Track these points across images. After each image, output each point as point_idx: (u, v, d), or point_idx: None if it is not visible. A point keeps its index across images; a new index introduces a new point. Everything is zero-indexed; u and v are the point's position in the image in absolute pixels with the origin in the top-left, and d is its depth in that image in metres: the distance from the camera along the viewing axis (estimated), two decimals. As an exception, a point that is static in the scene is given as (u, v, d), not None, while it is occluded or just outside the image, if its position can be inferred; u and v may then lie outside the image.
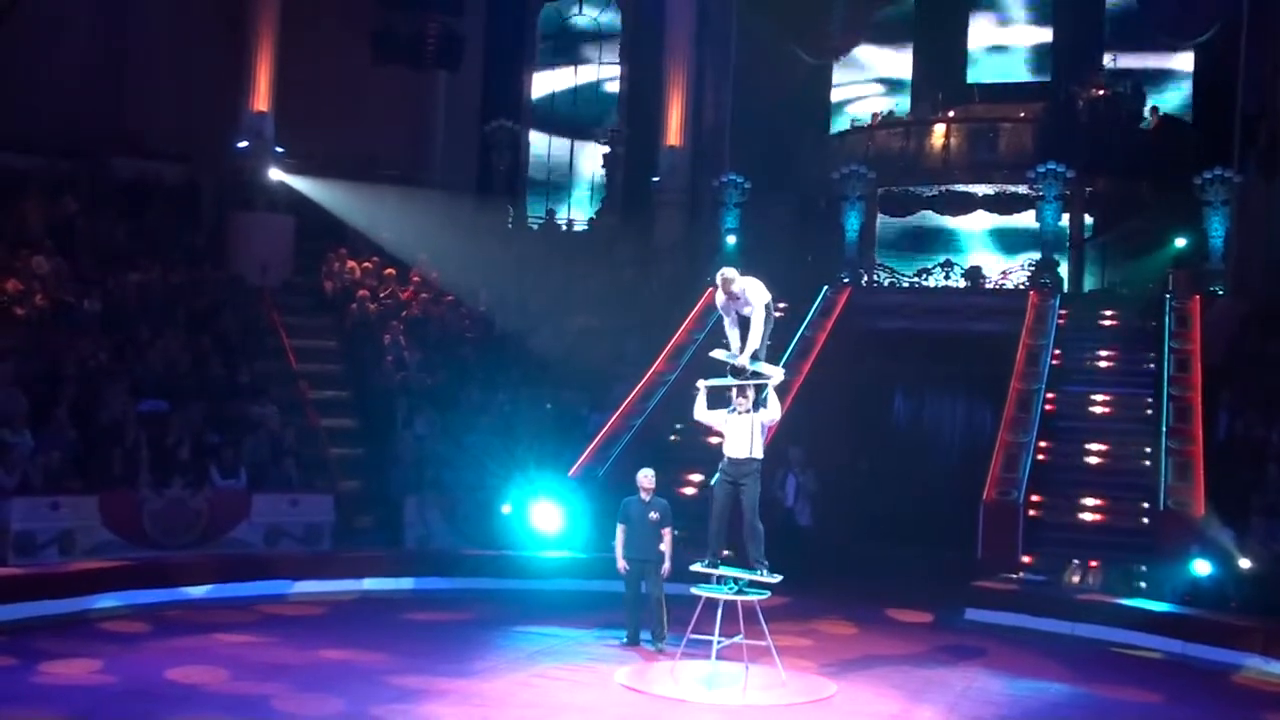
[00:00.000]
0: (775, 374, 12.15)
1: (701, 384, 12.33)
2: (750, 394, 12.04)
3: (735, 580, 12.03)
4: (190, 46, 22.32)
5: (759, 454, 12.06)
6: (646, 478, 13.49)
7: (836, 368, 19.79)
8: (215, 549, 15.48)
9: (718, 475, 12.30)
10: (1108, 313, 20.64)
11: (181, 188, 22.03)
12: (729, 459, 12.09)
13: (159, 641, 12.71)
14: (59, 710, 10.11)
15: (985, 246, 25.15)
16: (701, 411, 12.38)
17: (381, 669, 11.89)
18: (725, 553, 12.45)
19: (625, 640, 13.35)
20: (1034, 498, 16.72)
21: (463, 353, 20.25)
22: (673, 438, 18.73)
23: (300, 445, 17.39)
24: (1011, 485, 16.57)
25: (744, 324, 12.24)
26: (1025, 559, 16.07)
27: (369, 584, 15.80)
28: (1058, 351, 19.30)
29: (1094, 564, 15.79)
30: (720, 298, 12.18)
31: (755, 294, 12.05)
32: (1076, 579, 15.66)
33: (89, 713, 10.11)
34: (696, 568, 12.28)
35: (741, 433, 12.01)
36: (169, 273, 19.54)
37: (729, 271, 12.21)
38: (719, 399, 12.37)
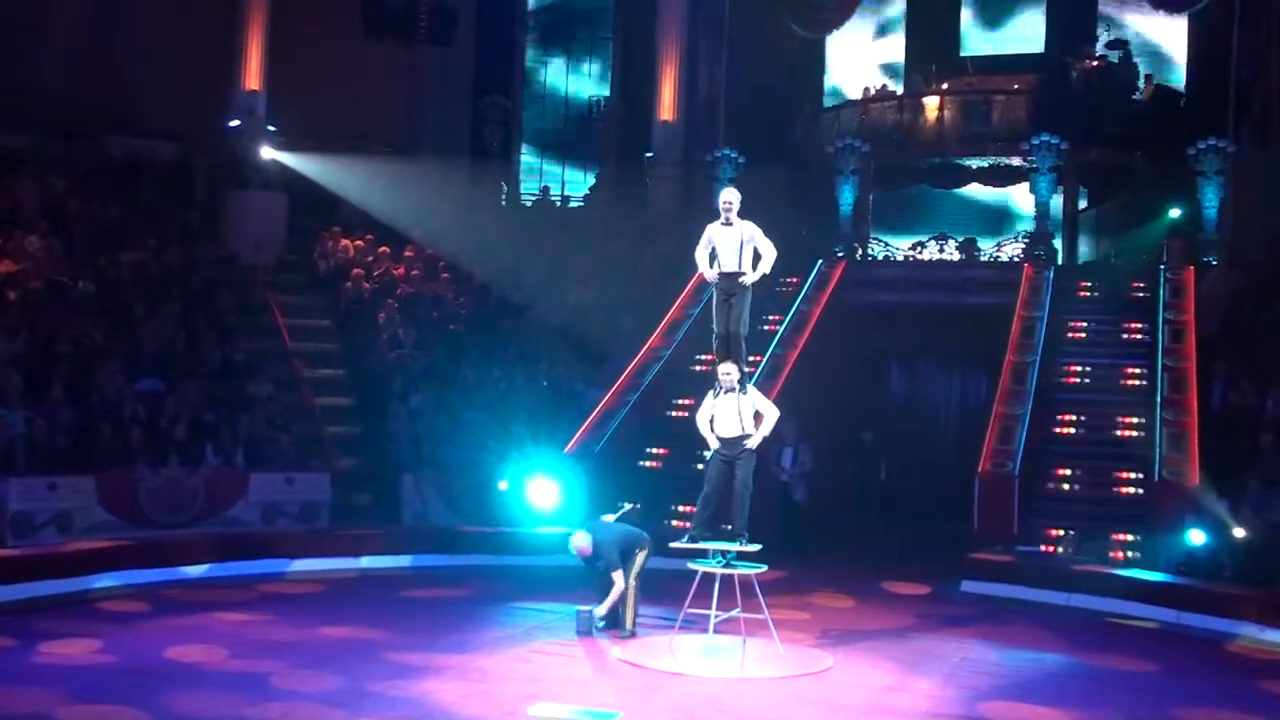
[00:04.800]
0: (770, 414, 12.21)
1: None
2: (734, 371, 12.04)
3: (724, 554, 12.07)
4: (182, 24, 22.21)
5: (751, 430, 12.08)
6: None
7: (831, 342, 19.81)
8: (212, 528, 15.50)
9: (712, 452, 12.31)
10: (1102, 284, 20.66)
11: (174, 166, 22.00)
12: (720, 438, 12.11)
13: (158, 620, 12.75)
14: (59, 690, 10.14)
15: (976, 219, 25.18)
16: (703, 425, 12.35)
17: (380, 646, 11.92)
18: (725, 526, 12.48)
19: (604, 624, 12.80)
20: (1029, 469, 16.76)
21: (458, 329, 20.24)
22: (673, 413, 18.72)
23: (296, 423, 17.41)
24: (1007, 457, 16.63)
25: (728, 303, 12.19)
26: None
27: (367, 561, 15.83)
28: (1052, 323, 19.32)
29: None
30: (716, 224, 12.15)
31: (756, 230, 12.05)
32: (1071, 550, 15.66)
33: (89, 692, 10.14)
34: (677, 544, 12.31)
35: (730, 411, 12.03)
36: (163, 252, 19.52)
37: (734, 191, 12.22)
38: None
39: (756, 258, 12.10)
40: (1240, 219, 20.91)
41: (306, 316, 20.10)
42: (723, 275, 12.19)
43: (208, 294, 19.03)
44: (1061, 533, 15.92)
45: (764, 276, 12.27)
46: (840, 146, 22.67)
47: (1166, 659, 12.75)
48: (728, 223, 12.12)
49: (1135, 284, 20.19)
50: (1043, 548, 15.90)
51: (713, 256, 12.24)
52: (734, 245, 12.06)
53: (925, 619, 14.15)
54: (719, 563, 12.05)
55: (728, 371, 12.04)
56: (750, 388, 12.37)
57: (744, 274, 12.09)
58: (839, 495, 19.18)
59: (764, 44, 25.07)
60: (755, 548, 12.04)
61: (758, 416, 12.22)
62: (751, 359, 13.51)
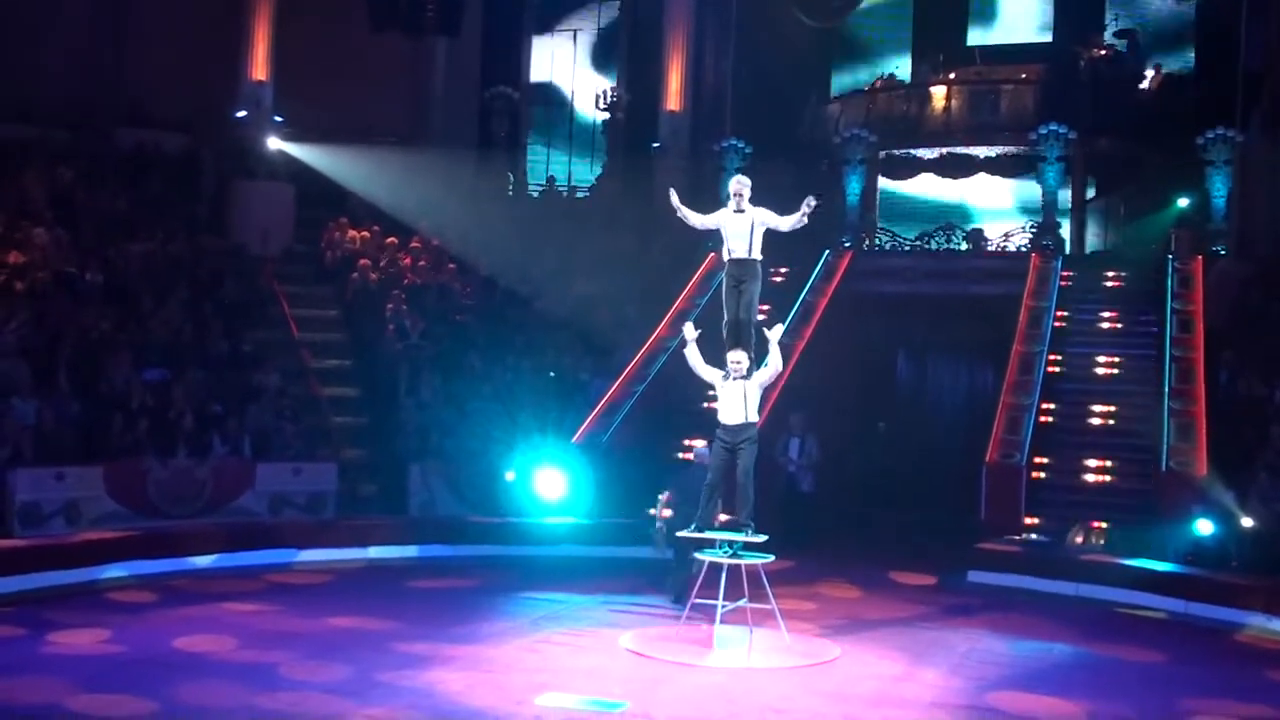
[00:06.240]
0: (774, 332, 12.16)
1: (689, 335, 12.31)
2: (744, 360, 12.04)
3: (729, 544, 12.08)
4: (190, 16, 22.24)
5: (754, 418, 12.07)
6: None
7: (839, 332, 19.80)
8: (220, 518, 15.53)
9: (715, 441, 12.31)
10: (1110, 274, 20.64)
11: (182, 157, 21.99)
12: (724, 425, 12.10)
13: (166, 611, 12.78)
14: (68, 679, 10.16)
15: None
16: (698, 364, 12.36)
17: (388, 636, 11.94)
18: (724, 517, 12.49)
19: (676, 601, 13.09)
20: (1037, 460, 16.76)
21: (464, 320, 20.23)
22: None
23: (303, 414, 17.43)
24: (1014, 448, 16.64)
25: (738, 290, 12.21)
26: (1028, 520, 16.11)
27: (374, 552, 15.85)
28: (1060, 313, 19.31)
29: (1096, 525, 15.80)
30: (727, 210, 12.18)
31: (768, 214, 12.12)
32: (1080, 539, 15.63)
33: (97, 682, 10.16)
34: (682, 534, 12.33)
35: (734, 399, 12.02)
36: (170, 242, 19.53)
37: (745, 178, 12.31)
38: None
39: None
40: (1248, 208, 20.86)
41: (313, 307, 20.10)
42: (733, 262, 12.22)
43: (215, 285, 19.04)
44: (1068, 522, 15.91)
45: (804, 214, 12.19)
46: (847, 137, 22.64)
47: (1174, 649, 12.76)
48: (739, 210, 12.14)
49: (1143, 274, 20.14)
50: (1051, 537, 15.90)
51: (721, 243, 12.31)
52: (744, 231, 12.10)
53: (932, 609, 14.16)
54: (725, 553, 12.05)
55: (738, 360, 12.04)
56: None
57: (757, 259, 12.11)
58: (846, 485, 19.14)
59: (771, 34, 25.02)
60: (761, 538, 12.04)
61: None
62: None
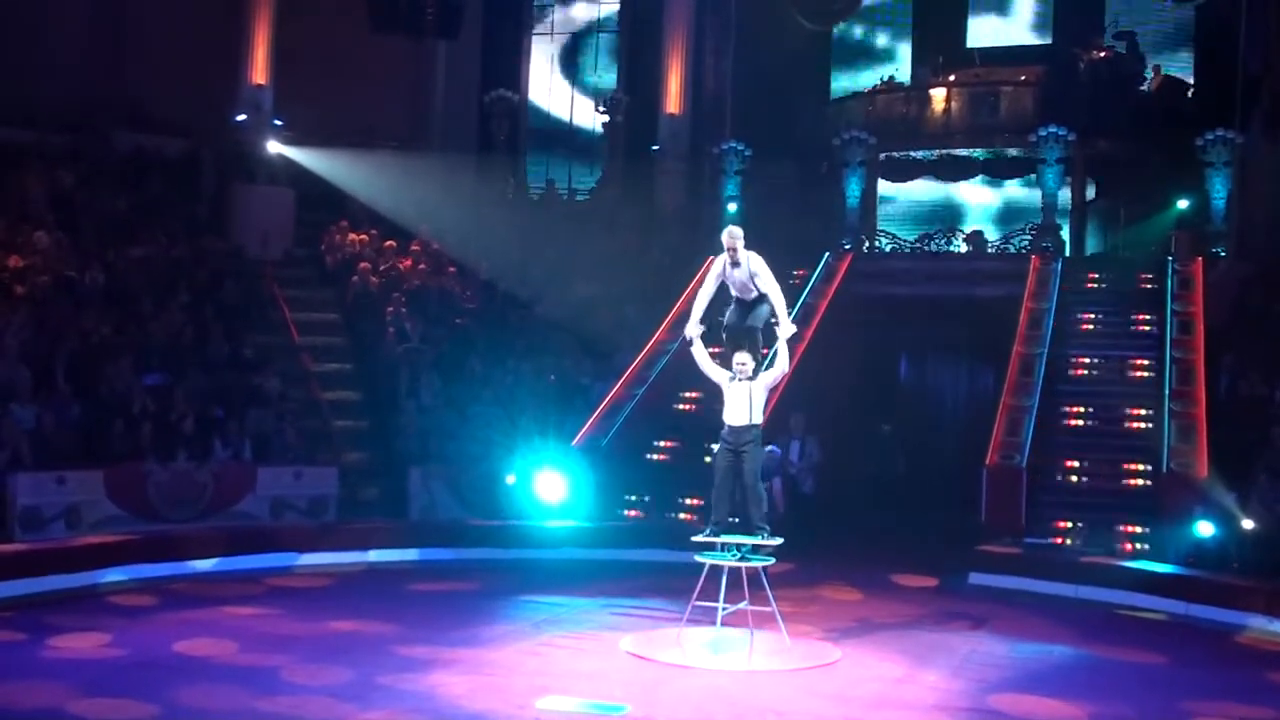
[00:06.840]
0: (787, 329, 12.06)
1: (692, 333, 12.30)
2: (749, 361, 12.04)
3: (738, 547, 12.07)
4: (190, 18, 22.28)
5: (759, 420, 12.08)
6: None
7: (839, 334, 19.78)
8: (221, 522, 15.52)
9: (719, 443, 12.31)
10: (1110, 276, 20.61)
11: (182, 160, 22.01)
12: (729, 427, 12.11)
13: (167, 614, 12.77)
14: (69, 683, 10.16)
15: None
16: (706, 364, 12.36)
17: (389, 639, 11.94)
18: (732, 519, 12.47)
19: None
20: (1037, 461, 16.74)
21: (465, 323, 20.24)
22: (681, 406, 18.70)
23: (304, 418, 17.43)
24: (1014, 449, 16.59)
25: (744, 311, 12.23)
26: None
27: (374, 555, 15.84)
28: (1060, 315, 19.28)
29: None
30: (721, 262, 12.16)
31: (761, 266, 12.07)
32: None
33: (98, 686, 10.16)
34: (698, 538, 12.32)
35: (740, 400, 12.03)
36: (170, 246, 19.54)
37: (736, 230, 12.22)
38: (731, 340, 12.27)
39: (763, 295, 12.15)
40: (1248, 210, 20.85)
41: (314, 310, 20.11)
42: (738, 302, 12.30)
43: (215, 288, 19.05)
44: (1069, 525, 15.89)
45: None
46: (847, 139, 22.64)
47: (1175, 651, 12.75)
48: (735, 263, 12.14)
49: (1143, 275, 20.13)
50: (1053, 540, 15.88)
51: (723, 287, 12.32)
52: (745, 279, 12.16)
53: (933, 611, 14.15)
54: (734, 556, 12.03)
55: (743, 362, 12.05)
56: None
57: (763, 294, 12.09)
58: (848, 487, 19.13)
59: (771, 36, 25.02)
60: (777, 541, 12.02)
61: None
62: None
